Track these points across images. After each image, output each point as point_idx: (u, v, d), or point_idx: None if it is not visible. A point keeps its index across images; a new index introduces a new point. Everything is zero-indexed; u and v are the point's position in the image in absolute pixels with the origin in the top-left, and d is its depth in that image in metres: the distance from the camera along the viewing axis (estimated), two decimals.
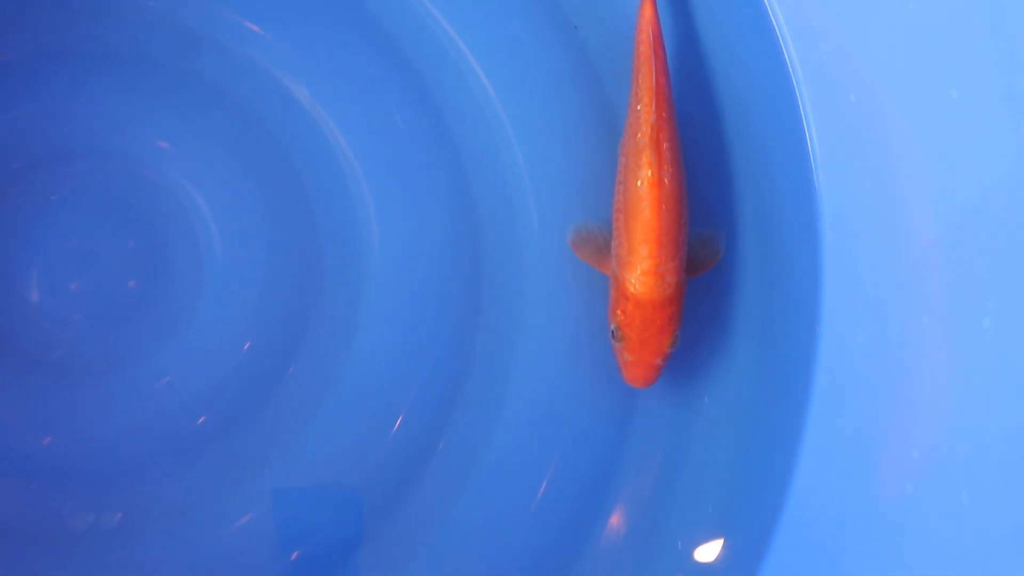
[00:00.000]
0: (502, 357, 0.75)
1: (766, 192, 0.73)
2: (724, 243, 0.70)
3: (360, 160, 0.76)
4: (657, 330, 0.65)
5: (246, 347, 0.76)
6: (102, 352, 0.75)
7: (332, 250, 0.76)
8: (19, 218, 0.75)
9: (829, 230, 0.71)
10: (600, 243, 0.70)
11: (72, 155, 0.76)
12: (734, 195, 0.74)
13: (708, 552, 0.72)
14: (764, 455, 0.72)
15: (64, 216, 0.75)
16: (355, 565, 0.73)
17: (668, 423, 0.74)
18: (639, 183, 0.65)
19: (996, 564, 0.58)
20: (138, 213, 0.76)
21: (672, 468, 0.74)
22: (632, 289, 0.65)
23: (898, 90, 0.66)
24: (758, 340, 0.73)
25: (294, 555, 0.73)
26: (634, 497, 0.74)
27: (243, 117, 0.76)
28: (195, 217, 0.76)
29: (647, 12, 0.67)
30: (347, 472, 0.74)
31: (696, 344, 0.73)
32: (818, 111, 0.71)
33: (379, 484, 0.74)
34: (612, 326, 0.67)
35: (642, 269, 0.65)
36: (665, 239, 0.64)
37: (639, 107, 0.66)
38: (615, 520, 0.74)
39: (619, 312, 0.66)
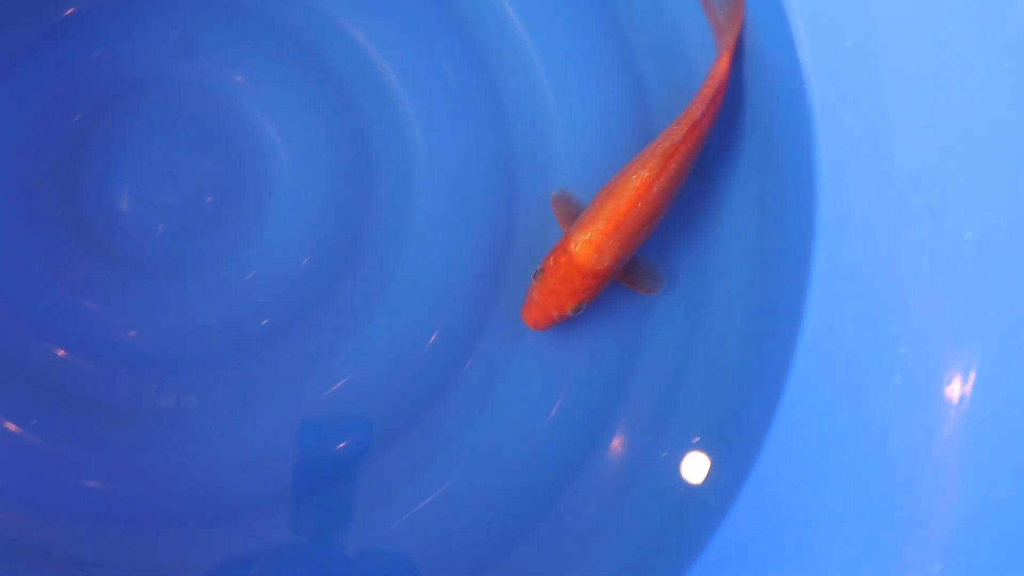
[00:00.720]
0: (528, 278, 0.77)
1: (763, 122, 0.74)
2: (660, 286, 0.74)
3: (410, 94, 0.81)
4: (570, 290, 0.70)
5: (305, 261, 0.81)
6: (181, 258, 0.80)
7: (384, 175, 0.81)
8: (113, 141, 0.80)
9: (824, 154, 0.68)
10: (573, 210, 0.74)
11: (155, 86, 0.81)
12: (735, 129, 0.75)
13: (695, 468, 0.75)
14: (758, 371, 0.73)
15: (150, 140, 0.80)
16: (389, 459, 0.78)
17: (671, 344, 0.78)
18: (633, 177, 0.69)
19: (986, 462, 0.60)
20: (214, 138, 0.80)
21: (671, 386, 0.77)
22: (573, 247, 0.70)
23: (892, 30, 0.65)
24: (754, 260, 0.75)
25: (340, 445, 0.79)
26: (635, 412, 0.78)
27: (309, 54, 0.81)
28: (265, 142, 0.81)
29: (723, 64, 0.69)
30: (386, 378, 0.79)
31: (693, 267, 0.77)
32: (815, 50, 0.68)
33: (412, 392, 0.79)
34: (539, 266, 0.71)
35: (590, 236, 0.69)
36: (623, 228, 0.69)
37: (676, 127, 0.69)
38: (617, 437, 0.78)
39: (551, 259, 0.71)
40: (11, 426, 0.77)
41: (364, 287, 0.81)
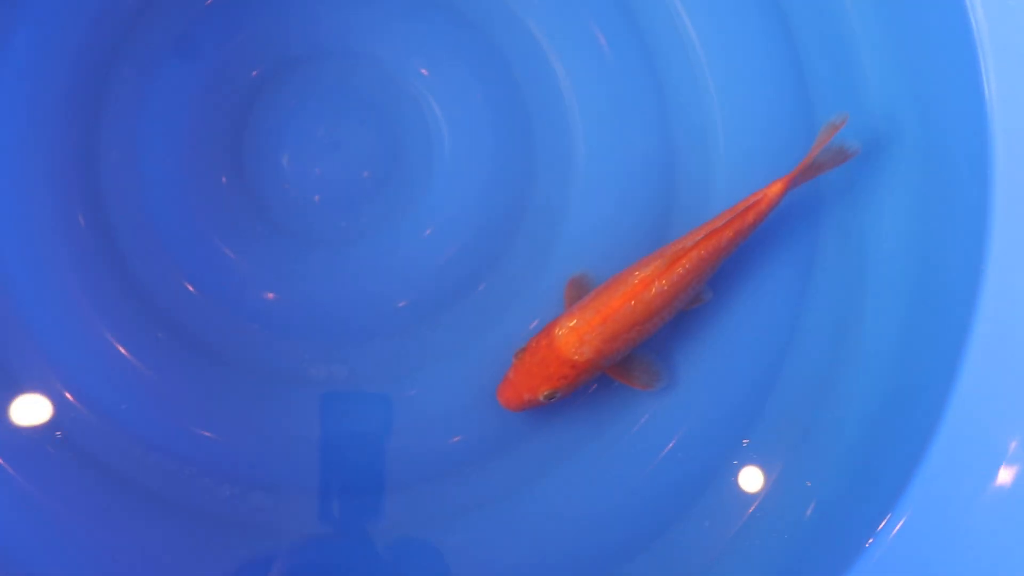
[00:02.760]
0: None
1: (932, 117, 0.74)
2: (660, 382, 0.73)
3: (571, 76, 0.81)
4: (544, 375, 0.68)
5: (455, 248, 0.81)
6: (335, 229, 0.80)
7: (544, 155, 0.81)
8: (278, 107, 0.80)
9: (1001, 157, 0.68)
10: (583, 296, 0.72)
11: (326, 55, 0.81)
12: (898, 118, 0.76)
13: (829, 503, 0.73)
14: (907, 401, 0.72)
15: (315, 109, 0.80)
16: (507, 463, 0.77)
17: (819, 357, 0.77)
18: (636, 274, 0.69)
19: None
20: (380, 111, 0.80)
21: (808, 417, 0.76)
22: (556, 331, 0.69)
23: None
24: (906, 291, 0.75)
25: (455, 439, 0.78)
26: (765, 441, 0.77)
27: (479, 37, 0.82)
28: (429, 118, 0.81)
29: (776, 189, 0.69)
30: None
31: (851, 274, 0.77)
32: (996, 47, 0.69)
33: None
34: (522, 346, 0.71)
35: (575, 324, 0.68)
36: (611, 324, 0.68)
37: (694, 232, 0.69)
38: (742, 466, 0.77)
39: (534, 341, 0.70)
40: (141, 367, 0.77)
41: (516, 272, 0.81)
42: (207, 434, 0.76)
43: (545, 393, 0.68)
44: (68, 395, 0.74)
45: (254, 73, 0.80)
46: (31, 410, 0.74)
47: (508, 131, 0.81)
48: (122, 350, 0.76)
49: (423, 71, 0.81)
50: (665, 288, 0.68)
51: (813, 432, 0.74)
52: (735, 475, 0.75)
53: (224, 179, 0.79)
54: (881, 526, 0.66)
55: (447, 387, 0.77)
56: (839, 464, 0.72)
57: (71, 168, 0.77)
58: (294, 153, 0.80)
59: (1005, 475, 0.63)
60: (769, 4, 0.79)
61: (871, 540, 0.66)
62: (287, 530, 0.74)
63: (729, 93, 0.79)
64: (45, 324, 0.75)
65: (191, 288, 0.78)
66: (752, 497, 0.74)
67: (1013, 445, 0.64)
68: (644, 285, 0.67)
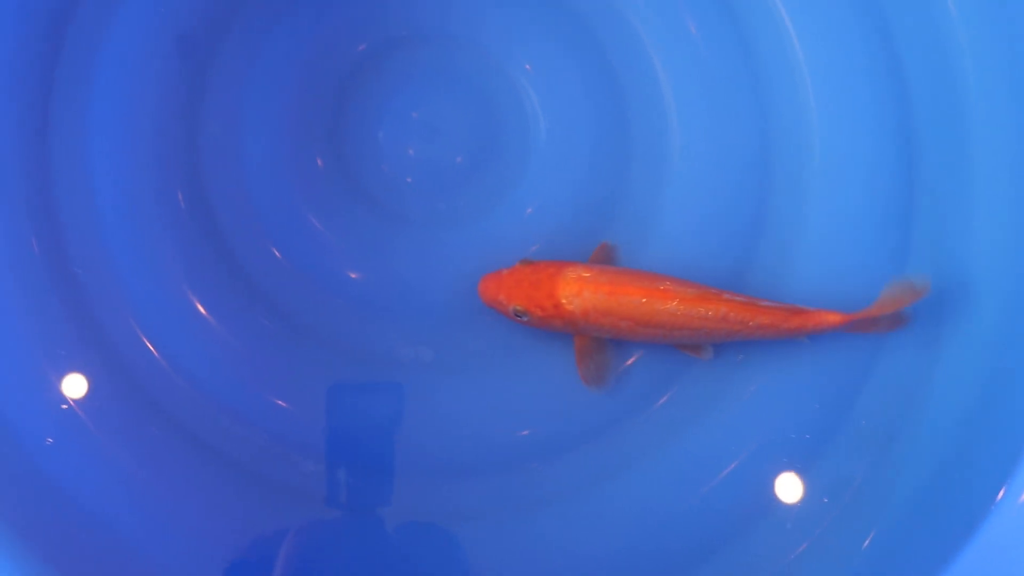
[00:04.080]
0: (786, 251, 0.76)
1: None
2: (599, 387, 0.71)
3: (668, 70, 0.79)
4: (528, 295, 0.68)
5: (555, 225, 0.79)
6: (426, 211, 0.79)
7: (639, 147, 0.79)
8: (376, 88, 0.80)
9: None
10: (605, 261, 0.73)
11: (425, 38, 0.80)
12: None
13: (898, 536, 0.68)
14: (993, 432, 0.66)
15: (412, 91, 0.80)
16: (576, 458, 0.75)
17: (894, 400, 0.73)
18: (667, 282, 0.67)
19: None
20: (477, 97, 0.79)
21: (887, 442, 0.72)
22: (566, 271, 0.68)
23: None
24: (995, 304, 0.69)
25: (523, 431, 0.76)
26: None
27: (576, 23, 0.80)
28: (527, 106, 0.80)
29: (830, 320, 0.67)
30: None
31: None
32: None
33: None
34: (532, 260, 0.70)
35: (585, 278, 0.68)
36: (613, 304, 0.67)
37: (739, 298, 0.67)
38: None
39: (543, 264, 0.70)
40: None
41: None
42: (289, 407, 0.75)
43: (517, 309, 0.68)
44: (160, 359, 0.74)
45: (361, 47, 0.80)
46: (122, 376, 0.74)
47: (604, 123, 0.79)
48: (211, 319, 0.76)
49: (523, 59, 0.80)
50: (677, 314, 0.66)
51: (890, 452, 0.71)
52: (804, 488, 0.72)
53: (320, 159, 0.79)
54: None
55: (530, 377, 0.76)
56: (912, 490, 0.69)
57: (172, 142, 0.77)
58: (390, 134, 0.79)
59: None
60: (870, 5, 0.76)
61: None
62: (363, 507, 0.74)
63: (827, 96, 0.77)
64: (141, 293, 0.75)
65: (282, 259, 0.77)
66: (817, 518, 0.71)
67: None
68: (663, 296, 0.66)
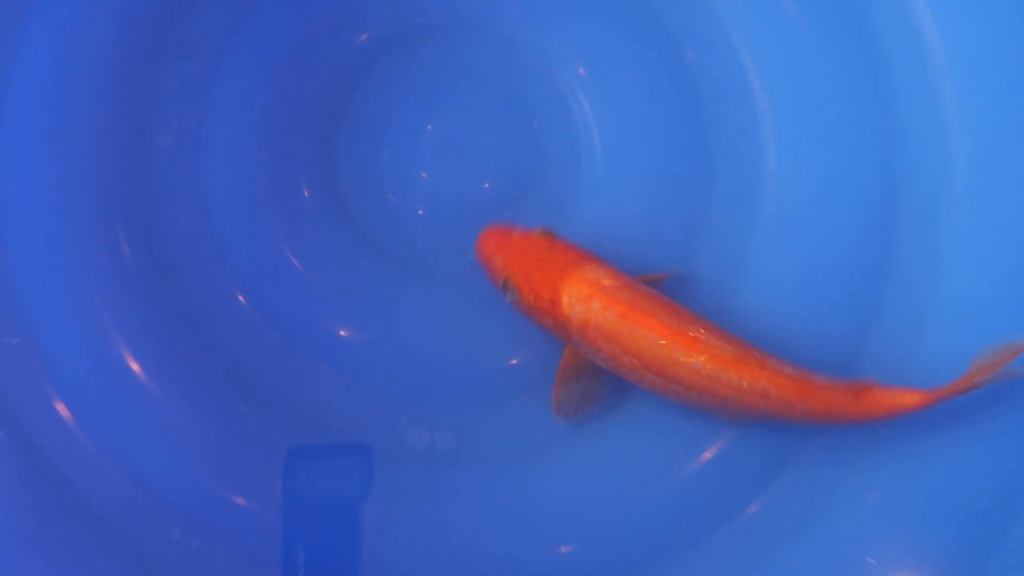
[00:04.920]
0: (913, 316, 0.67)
1: None
2: (567, 418, 0.66)
3: (763, 75, 0.71)
4: (527, 273, 0.63)
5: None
6: (443, 253, 0.72)
7: (723, 172, 0.71)
8: (380, 92, 0.73)
9: None
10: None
11: (447, 29, 0.74)
12: None
13: None
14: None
15: (428, 96, 0.73)
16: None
17: None
18: (701, 330, 0.61)
19: None
20: (513, 107, 0.73)
21: None
22: (585, 270, 0.62)
23: None
24: None
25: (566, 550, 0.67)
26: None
27: (644, 14, 0.73)
28: (579, 120, 0.72)
29: (908, 400, 0.60)
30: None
31: None
32: None
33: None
34: (556, 236, 0.65)
35: (601, 286, 0.62)
36: (623, 331, 0.61)
37: (770, 362, 0.61)
38: None
39: (567, 249, 0.64)
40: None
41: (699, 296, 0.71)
42: (255, 509, 0.67)
43: (508, 282, 0.64)
44: (87, 444, 0.66)
45: (361, 39, 0.73)
46: (30, 458, 0.65)
47: (677, 142, 0.72)
48: (155, 389, 0.68)
49: (573, 59, 0.73)
50: (701, 374, 0.60)
51: None
52: None
53: (306, 186, 0.73)
54: None
55: (579, 474, 0.68)
56: None
57: (111, 163, 0.70)
58: (397, 152, 0.73)
59: None
60: None
61: None
62: None
63: (976, 114, 0.66)
64: (65, 356, 0.67)
65: (251, 310, 0.71)
66: None
67: None
68: (689, 345, 0.60)
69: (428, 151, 0.72)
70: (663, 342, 0.60)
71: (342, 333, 0.70)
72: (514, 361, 0.70)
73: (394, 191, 0.72)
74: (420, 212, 0.72)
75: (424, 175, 0.72)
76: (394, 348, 0.70)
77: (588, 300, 0.61)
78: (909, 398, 0.59)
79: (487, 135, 0.72)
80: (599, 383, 0.66)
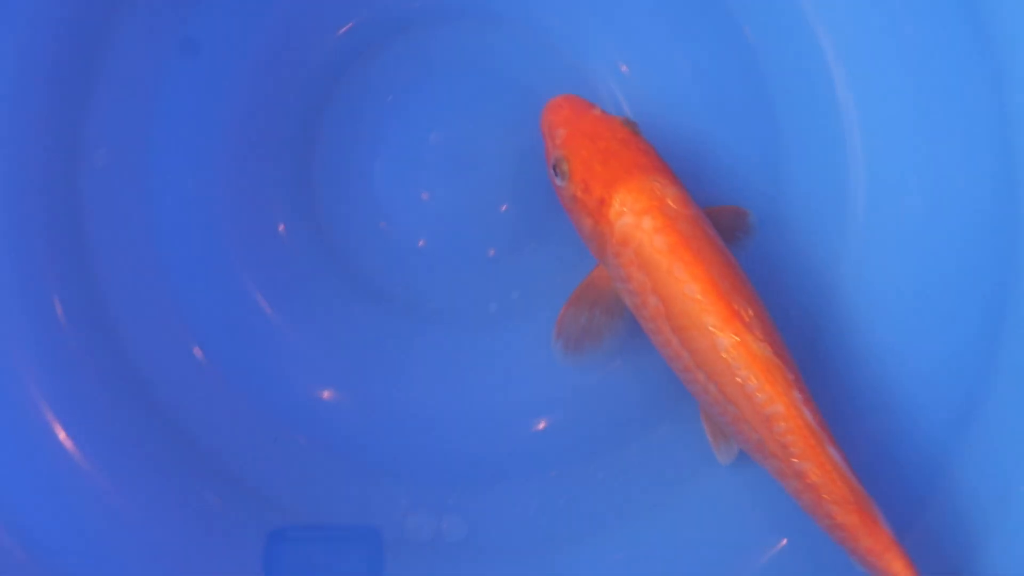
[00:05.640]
0: None
1: None
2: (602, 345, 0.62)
3: (851, 80, 0.63)
4: (588, 160, 0.58)
5: None
6: (450, 295, 0.64)
7: (800, 193, 0.64)
8: (369, 93, 0.65)
9: None
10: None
11: (450, 15, 0.66)
12: None
13: None
14: None
15: (428, 97, 0.65)
16: None
17: None
18: (750, 311, 0.56)
19: None
20: (531, 106, 0.62)
21: None
22: (649, 179, 0.57)
23: None
24: None
25: None
26: None
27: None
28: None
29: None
30: None
31: None
32: None
33: None
34: (638, 132, 0.60)
35: (661, 209, 0.57)
36: (672, 266, 0.56)
37: (805, 410, 0.55)
38: None
39: (649, 151, 0.59)
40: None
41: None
42: None
43: (563, 163, 0.58)
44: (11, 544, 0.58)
45: (344, 29, 0.65)
46: None
47: (742, 157, 0.65)
48: (92, 469, 0.59)
49: (613, 53, 0.65)
50: (722, 355, 0.55)
51: None
52: None
53: (280, 210, 0.64)
54: None
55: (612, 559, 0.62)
56: None
57: (40, 188, 0.61)
58: (392, 167, 0.65)
59: None
60: None
61: None
62: None
63: None
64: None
65: (210, 366, 0.62)
66: None
67: None
68: (726, 318, 0.55)
69: (430, 166, 0.64)
70: (699, 298, 0.55)
71: (325, 396, 0.63)
72: (541, 426, 0.64)
73: (388, 217, 0.64)
74: (421, 243, 0.64)
75: (426, 196, 0.64)
76: (390, 414, 0.63)
77: (641, 214, 0.56)
78: (896, 565, 0.54)
79: (504, 146, 0.64)
80: (612, 321, 0.62)
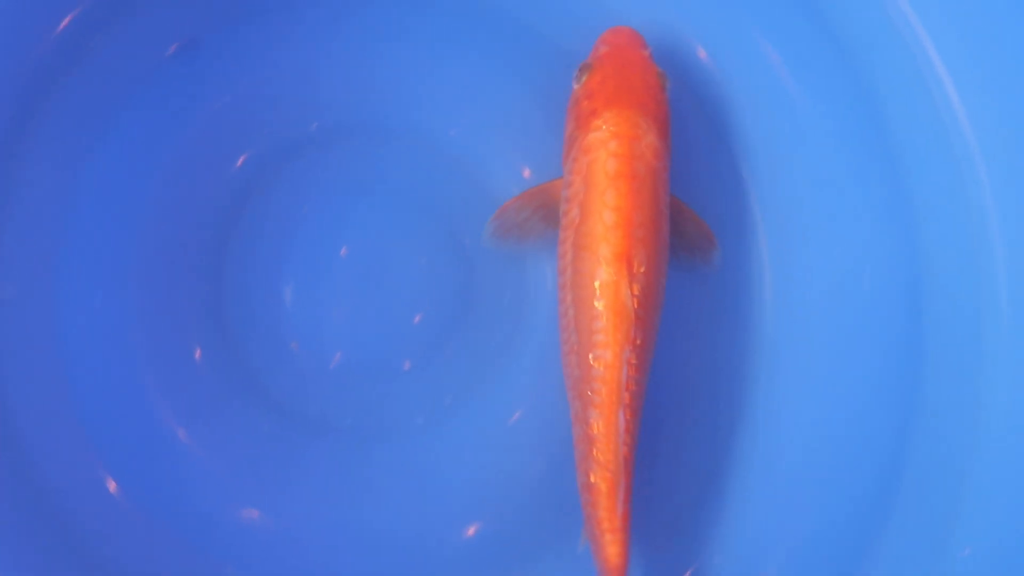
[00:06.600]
0: None
1: None
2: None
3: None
4: (620, 87, 0.59)
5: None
6: (362, 412, 0.61)
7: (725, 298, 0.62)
8: (280, 213, 0.63)
9: None
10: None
11: (362, 130, 0.63)
12: None
13: None
14: None
15: (340, 211, 0.63)
16: None
17: None
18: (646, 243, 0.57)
19: None
20: (447, 224, 0.63)
21: None
22: (644, 136, 0.58)
23: None
24: None
25: None
26: None
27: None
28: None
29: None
30: None
31: None
32: None
33: None
34: (665, 79, 0.61)
35: (651, 136, 0.58)
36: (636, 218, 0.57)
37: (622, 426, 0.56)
38: None
39: (657, 88, 0.60)
40: None
41: None
42: None
43: (587, 66, 0.60)
44: None
45: (238, 162, 0.62)
46: None
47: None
48: None
49: (521, 165, 0.64)
50: (604, 285, 0.56)
51: None
52: None
53: (192, 335, 0.61)
54: None
55: None
56: None
57: None
58: (304, 287, 0.62)
59: None
60: None
61: None
62: None
63: None
64: None
65: (124, 500, 0.59)
66: None
67: None
68: (621, 257, 0.56)
69: (339, 283, 0.61)
70: (608, 226, 0.56)
71: (245, 518, 0.59)
72: (471, 532, 0.61)
73: (300, 336, 0.61)
74: (335, 360, 0.61)
75: (335, 312, 0.61)
76: (314, 533, 0.59)
77: (613, 137, 0.57)
78: (611, 549, 0.55)
79: (411, 256, 0.62)
80: (543, 227, 0.62)
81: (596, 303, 0.56)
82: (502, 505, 0.62)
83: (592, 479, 0.57)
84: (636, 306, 0.56)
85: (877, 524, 0.59)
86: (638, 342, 0.56)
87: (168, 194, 0.62)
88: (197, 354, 0.61)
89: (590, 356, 0.56)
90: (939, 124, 0.59)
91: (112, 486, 0.59)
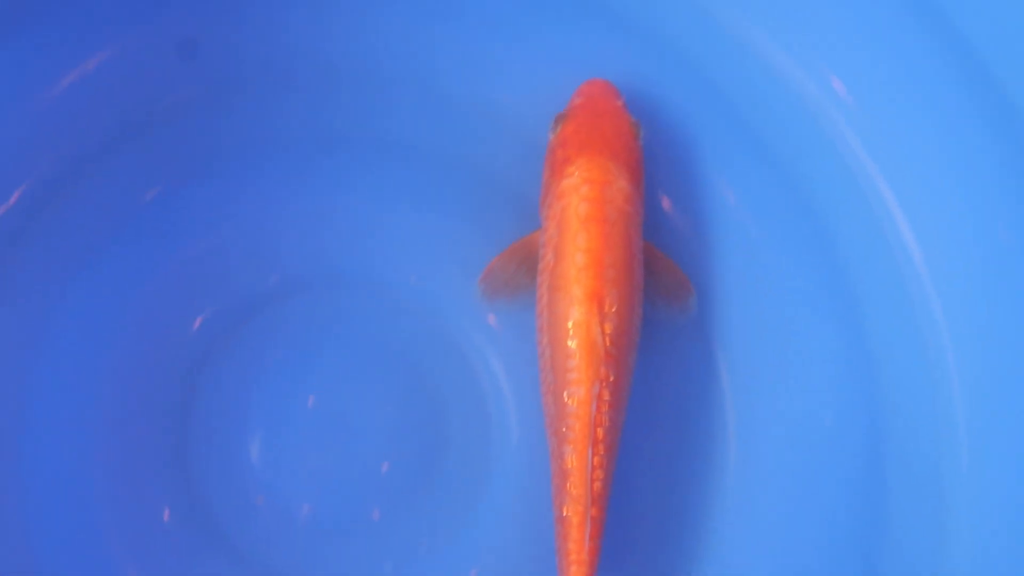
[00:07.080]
0: None
1: None
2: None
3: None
4: (601, 133, 0.60)
5: None
6: (337, 566, 0.60)
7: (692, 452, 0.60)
8: (231, 374, 0.62)
9: None
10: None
11: (334, 279, 0.63)
12: None
13: None
14: None
15: (288, 371, 0.62)
16: None
17: None
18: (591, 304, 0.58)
19: None
20: (408, 371, 0.62)
21: None
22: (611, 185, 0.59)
23: None
24: None
25: None
26: None
27: None
28: (488, 386, 0.61)
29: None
30: None
31: None
32: None
33: None
34: (638, 128, 0.62)
35: (621, 185, 0.59)
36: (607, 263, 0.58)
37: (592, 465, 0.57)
38: None
39: (633, 127, 0.62)
40: None
41: None
42: None
43: (562, 116, 0.61)
44: None
45: (196, 323, 0.62)
46: None
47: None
48: None
49: (488, 316, 0.64)
50: (577, 324, 0.57)
51: None
52: None
53: (160, 497, 0.60)
54: None
55: None
56: None
57: None
58: (271, 441, 0.61)
59: None
60: None
61: None
62: None
63: None
64: None
65: None
66: None
67: None
68: (592, 297, 0.57)
69: (304, 434, 0.60)
70: (580, 268, 0.57)
71: None
72: None
73: (267, 490, 0.59)
74: (303, 512, 0.59)
75: (304, 464, 0.60)
76: None
77: (585, 182, 0.58)
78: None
79: (375, 404, 0.61)
80: (529, 281, 0.62)
81: (569, 342, 0.57)
82: None
83: (564, 512, 0.57)
84: (608, 344, 0.56)
85: None
86: (611, 379, 0.56)
87: (130, 354, 0.61)
88: (165, 514, 0.60)
89: (564, 394, 0.56)
90: (896, 270, 0.60)
91: None
